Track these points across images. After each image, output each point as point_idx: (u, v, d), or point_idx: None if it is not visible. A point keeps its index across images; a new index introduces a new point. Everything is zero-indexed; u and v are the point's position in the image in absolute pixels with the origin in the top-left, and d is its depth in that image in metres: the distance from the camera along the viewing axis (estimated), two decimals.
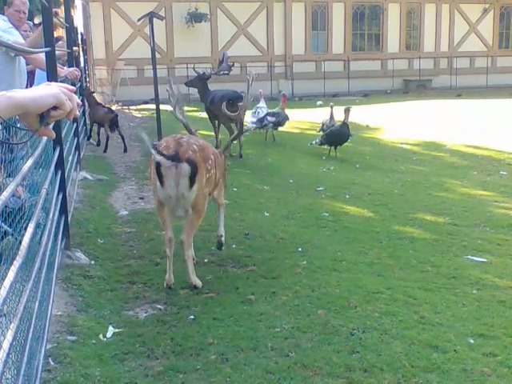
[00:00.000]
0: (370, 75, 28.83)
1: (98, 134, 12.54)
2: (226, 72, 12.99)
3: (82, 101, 12.82)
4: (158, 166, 5.13)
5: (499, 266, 6.16)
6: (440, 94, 26.49)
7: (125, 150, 12.22)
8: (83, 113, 12.79)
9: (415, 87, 29.19)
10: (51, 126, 1.87)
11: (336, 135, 12.25)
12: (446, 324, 4.68)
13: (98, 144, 12.51)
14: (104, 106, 13.59)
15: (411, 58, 30.11)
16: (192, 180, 5.15)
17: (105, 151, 12.05)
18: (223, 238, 6.03)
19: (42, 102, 1.69)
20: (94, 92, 13.41)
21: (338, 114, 13.02)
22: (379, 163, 12.25)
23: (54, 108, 1.74)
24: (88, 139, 12.55)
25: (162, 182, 5.17)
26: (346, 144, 12.50)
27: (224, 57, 13.21)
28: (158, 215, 5.53)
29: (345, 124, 12.05)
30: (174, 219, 5.55)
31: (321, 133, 13.24)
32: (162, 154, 5.02)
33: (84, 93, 12.69)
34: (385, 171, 11.36)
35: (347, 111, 12.11)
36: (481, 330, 4.59)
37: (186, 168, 5.11)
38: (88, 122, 12.98)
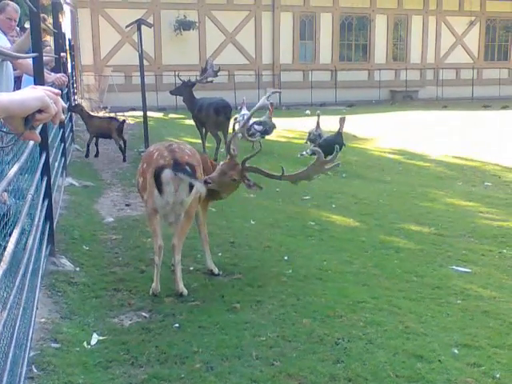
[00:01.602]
0: (357, 85, 28.98)
1: (90, 144, 12.22)
2: (211, 79, 13.00)
3: (70, 117, 12.70)
4: (158, 174, 5.10)
5: (483, 276, 6.19)
6: (426, 105, 26.69)
7: (124, 159, 11.94)
8: (70, 119, 12.74)
9: (401, 98, 29.38)
10: (38, 130, 1.86)
11: (330, 145, 12.24)
12: (431, 334, 4.70)
13: (87, 155, 12.17)
14: (102, 117, 13.47)
15: (398, 68, 30.32)
16: (191, 184, 5.14)
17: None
18: (215, 270, 5.91)
19: (27, 105, 1.69)
20: (83, 107, 13.14)
21: (327, 123, 13.06)
22: (365, 173, 12.29)
23: (39, 111, 1.73)
24: (87, 156, 12.18)
25: (161, 190, 5.13)
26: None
27: (208, 64, 13.22)
28: (149, 223, 5.48)
29: (339, 133, 12.06)
30: (164, 226, 5.54)
31: (308, 143, 13.24)
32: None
33: (76, 110, 12.48)
34: (371, 181, 11.40)
35: (342, 120, 12.11)
36: (465, 340, 4.61)
37: (188, 172, 5.10)
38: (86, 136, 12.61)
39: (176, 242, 5.28)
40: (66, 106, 1.89)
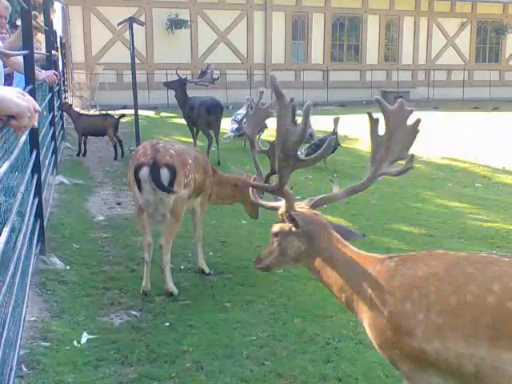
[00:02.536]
0: (348, 86, 29.04)
1: (83, 143, 12.14)
2: (206, 84, 13.00)
3: (61, 115, 12.62)
4: (137, 171, 5.11)
5: None
6: (417, 106, 26.74)
7: (115, 158, 11.90)
8: (61, 116, 12.69)
9: (393, 98, 29.19)
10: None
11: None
12: None
13: (78, 154, 12.04)
14: (93, 115, 13.38)
15: (389, 69, 30.41)
16: (171, 185, 5.12)
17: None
18: (206, 269, 5.90)
19: (4, 106, 1.68)
20: (71, 105, 13.04)
21: (319, 123, 13.06)
22: (357, 173, 12.30)
23: (13, 117, 1.73)
24: (78, 155, 12.04)
25: (140, 188, 5.14)
26: None
27: (209, 68, 13.23)
28: (137, 220, 5.49)
29: (335, 133, 12.09)
30: (153, 225, 5.53)
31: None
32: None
33: (63, 108, 12.42)
34: None
35: (336, 121, 12.14)
36: None
37: (164, 173, 5.09)
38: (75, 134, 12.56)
39: (163, 242, 5.26)
40: (36, 125, 1.89)
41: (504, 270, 2.50)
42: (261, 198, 4.60)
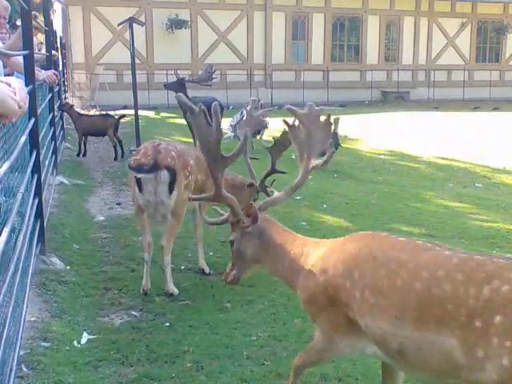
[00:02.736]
0: (348, 86, 29.04)
1: (83, 143, 12.09)
2: (202, 83, 13.02)
3: (61, 115, 12.61)
4: (137, 170, 5.12)
5: None
6: (417, 106, 26.77)
7: (115, 158, 11.89)
8: (61, 117, 12.69)
9: (393, 99, 29.45)
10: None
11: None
12: None
13: (79, 154, 12.03)
14: (94, 115, 13.34)
15: (390, 69, 30.41)
16: (171, 187, 5.13)
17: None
18: (206, 269, 5.91)
19: None
20: (73, 105, 13.04)
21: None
22: (357, 173, 12.32)
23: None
24: (78, 155, 12.02)
25: (140, 189, 5.14)
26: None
27: (206, 68, 13.27)
28: (137, 220, 5.50)
29: (335, 134, 12.10)
30: (153, 225, 5.53)
31: None
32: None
33: (64, 108, 12.42)
34: (362, 181, 11.42)
35: (336, 121, 12.14)
36: None
37: (165, 175, 5.09)
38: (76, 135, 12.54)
39: (164, 243, 5.27)
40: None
41: (433, 259, 2.71)
42: (255, 199, 4.65)
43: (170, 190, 5.14)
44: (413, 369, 2.81)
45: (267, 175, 4.69)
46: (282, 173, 4.84)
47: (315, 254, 3.22)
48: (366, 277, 2.84)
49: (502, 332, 2.40)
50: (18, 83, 2.02)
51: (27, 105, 1.95)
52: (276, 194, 3.66)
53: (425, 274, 2.66)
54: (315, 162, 3.49)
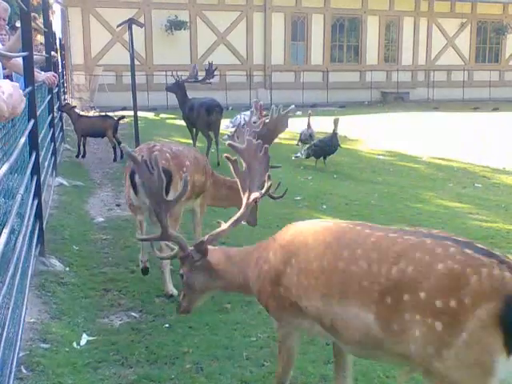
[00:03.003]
0: (348, 87, 29.03)
1: (84, 144, 12.13)
2: (192, 79, 13.06)
3: (60, 116, 12.61)
4: (133, 174, 5.13)
5: None
6: (417, 107, 26.77)
7: (114, 159, 11.88)
8: (60, 118, 12.69)
9: (393, 99, 29.45)
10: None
11: (326, 145, 12.24)
12: None
13: (78, 156, 12.03)
14: (93, 116, 13.31)
15: (389, 70, 30.40)
16: (166, 189, 5.13)
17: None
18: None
19: None
20: (75, 106, 13.03)
21: (318, 124, 13.04)
22: (356, 174, 12.32)
23: None
24: (78, 156, 12.04)
25: (136, 191, 5.17)
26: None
27: (194, 68, 13.35)
28: (134, 217, 5.62)
29: (335, 134, 12.09)
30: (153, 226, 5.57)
31: (300, 144, 13.24)
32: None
33: (64, 109, 12.41)
34: (362, 182, 11.42)
35: (336, 122, 12.14)
36: None
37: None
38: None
39: (162, 243, 5.28)
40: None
41: (354, 238, 2.94)
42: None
43: (166, 192, 5.14)
44: (347, 344, 3.00)
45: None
46: (276, 167, 4.96)
47: (262, 252, 3.43)
48: (301, 261, 3.07)
49: (411, 307, 2.61)
50: (9, 85, 2.02)
51: (21, 107, 1.95)
52: (222, 226, 3.80)
53: (346, 254, 2.89)
54: (255, 194, 3.69)
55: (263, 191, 3.72)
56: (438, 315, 2.54)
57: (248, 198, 3.72)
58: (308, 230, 3.21)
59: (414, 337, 2.62)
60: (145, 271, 5.42)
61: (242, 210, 3.71)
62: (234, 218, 3.74)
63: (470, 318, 2.48)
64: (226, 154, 3.84)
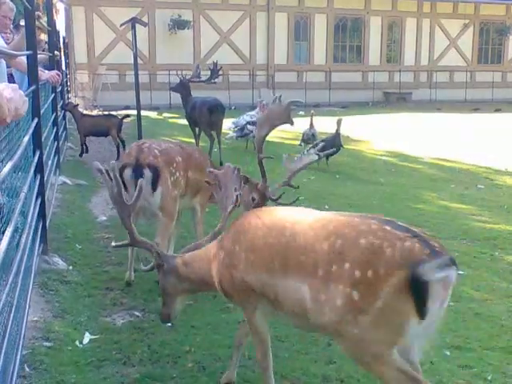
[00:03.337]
0: (350, 87, 29.02)
1: (85, 143, 12.11)
2: (196, 80, 13.09)
3: (64, 116, 12.62)
4: (121, 171, 5.24)
5: (476, 278, 6.22)
6: (419, 107, 26.74)
7: (117, 158, 11.77)
8: (64, 117, 12.70)
9: (395, 100, 29.43)
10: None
11: (330, 146, 12.22)
12: None
13: (81, 154, 12.01)
14: (97, 115, 13.29)
15: (392, 70, 30.38)
16: (154, 184, 5.24)
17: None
18: None
19: None
20: (78, 105, 13.02)
21: (321, 124, 13.02)
22: (358, 174, 12.32)
23: None
24: (81, 155, 12.03)
25: (125, 187, 5.26)
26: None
27: (197, 67, 13.38)
28: None
29: (338, 134, 12.09)
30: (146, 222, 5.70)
31: (302, 144, 13.23)
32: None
33: (68, 108, 12.41)
34: (364, 182, 11.42)
35: (339, 122, 12.14)
36: (457, 342, 4.63)
37: (147, 173, 5.24)
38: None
39: (159, 240, 5.33)
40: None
41: (298, 220, 3.22)
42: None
43: (153, 187, 5.25)
44: (289, 315, 3.24)
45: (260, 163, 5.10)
46: (270, 158, 5.28)
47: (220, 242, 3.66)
48: (248, 240, 3.35)
49: (336, 278, 2.86)
50: (8, 90, 2.03)
51: (25, 108, 1.96)
52: (203, 239, 4.08)
53: (288, 232, 3.16)
54: (229, 209, 3.97)
55: (229, 209, 3.98)
56: (356, 285, 2.78)
57: (224, 213, 4.00)
58: (262, 213, 3.54)
59: (335, 306, 2.86)
60: (128, 284, 5.49)
61: (220, 224, 3.97)
62: (214, 230, 3.97)
63: (384, 287, 2.73)
64: (206, 179, 4.35)
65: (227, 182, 4.08)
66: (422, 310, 2.71)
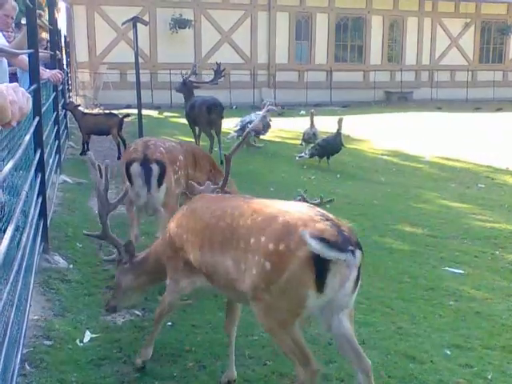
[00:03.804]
0: (352, 86, 29.02)
1: (88, 142, 12.09)
2: (201, 81, 13.14)
3: (65, 114, 12.62)
4: (128, 165, 5.30)
5: (476, 277, 6.22)
6: (420, 107, 26.73)
7: (118, 157, 11.76)
8: (65, 115, 12.70)
9: (396, 99, 29.42)
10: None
11: (330, 145, 12.24)
12: (423, 335, 4.71)
13: (82, 153, 11.91)
14: (98, 114, 13.28)
15: (393, 70, 30.38)
16: (160, 180, 5.34)
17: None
18: None
19: None
20: (79, 105, 13.01)
21: (322, 124, 13.01)
22: (359, 173, 12.32)
23: None
24: (82, 154, 11.90)
25: (131, 182, 5.33)
26: None
27: (193, 67, 13.43)
28: (127, 213, 5.75)
29: (339, 133, 12.09)
30: (146, 216, 5.83)
31: (303, 144, 13.23)
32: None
33: (68, 107, 12.41)
34: (365, 181, 11.42)
35: (340, 121, 12.14)
36: (457, 341, 4.63)
37: (154, 168, 5.35)
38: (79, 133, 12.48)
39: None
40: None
41: (230, 204, 3.58)
42: None
43: (159, 183, 5.36)
44: (219, 288, 3.60)
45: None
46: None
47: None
48: (190, 223, 3.70)
49: (254, 249, 3.17)
50: (10, 91, 2.03)
51: (29, 106, 1.96)
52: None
53: (218, 213, 3.51)
54: None
55: None
56: (269, 256, 3.08)
57: None
58: (198, 201, 3.90)
59: (252, 274, 3.17)
60: None
61: None
62: None
63: (292, 259, 3.01)
64: (185, 191, 4.68)
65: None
66: (321, 284, 2.97)
